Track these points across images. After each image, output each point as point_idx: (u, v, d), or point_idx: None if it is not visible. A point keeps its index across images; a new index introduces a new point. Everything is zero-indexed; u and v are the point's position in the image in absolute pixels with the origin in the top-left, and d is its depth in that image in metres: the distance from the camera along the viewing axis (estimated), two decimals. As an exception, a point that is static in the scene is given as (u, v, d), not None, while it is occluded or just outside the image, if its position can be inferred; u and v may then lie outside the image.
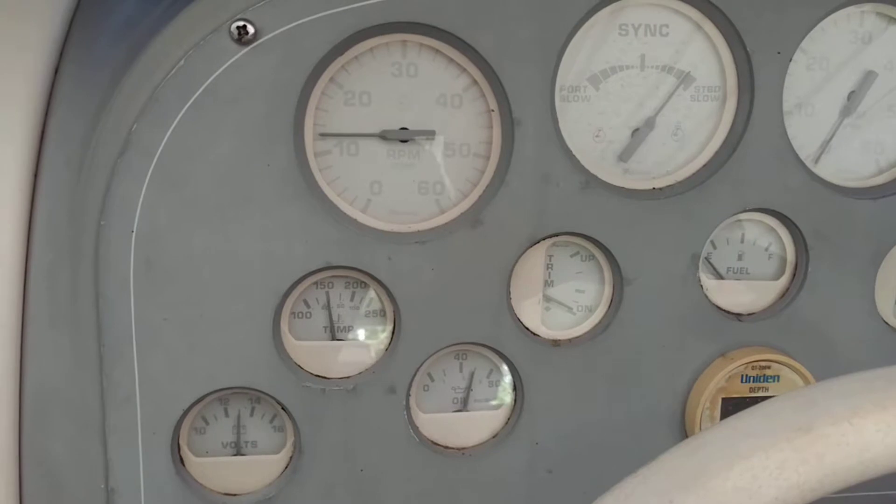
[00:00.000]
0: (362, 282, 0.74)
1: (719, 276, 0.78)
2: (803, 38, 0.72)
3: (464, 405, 0.78)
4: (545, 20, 0.68)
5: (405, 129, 0.70)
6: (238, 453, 0.75)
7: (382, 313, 0.74)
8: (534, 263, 0.75)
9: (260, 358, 0.70)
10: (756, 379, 0.76)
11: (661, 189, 0.74)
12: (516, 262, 0.72)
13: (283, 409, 0.73)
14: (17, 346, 0.67)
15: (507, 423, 0.77)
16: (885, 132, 0.78)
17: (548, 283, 0.76)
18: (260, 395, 0.72)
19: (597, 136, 0.74)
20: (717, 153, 0.74)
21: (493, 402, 0.78)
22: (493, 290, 0.72)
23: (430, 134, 0.71)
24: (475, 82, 0.70)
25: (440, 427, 0.77)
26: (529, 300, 0.76)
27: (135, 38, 0.67)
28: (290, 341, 0.73)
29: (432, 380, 0.77)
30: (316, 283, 0.73)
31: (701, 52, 0.73)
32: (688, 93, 0.74)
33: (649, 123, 0.73)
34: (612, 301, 0.76)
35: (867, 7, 0.75)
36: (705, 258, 0.77)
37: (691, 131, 0.75)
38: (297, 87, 0.66)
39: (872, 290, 0.77)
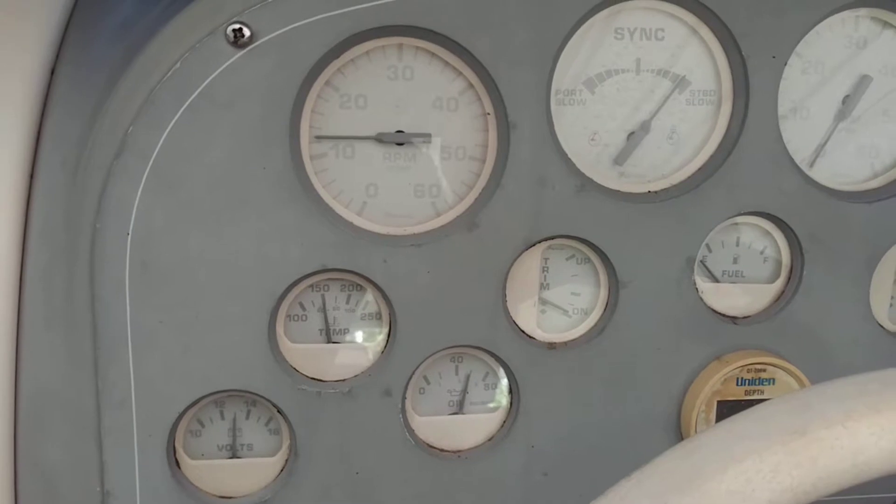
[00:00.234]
0: (358, 284, 0.74)
1: (715, 280, 0.78)
2: (798, 42, 0.73)
3: (459, 408, 0.78)
4: (541, 24, 0.68)
5: (401, 132, 0.71)
6: (234, 456, 0.75)
7: (378, 316, 0.74)
8: (529, 266, 0.75)
9: (255, 361, 0.70)
10: (751, 382, 0.77)
11: (656, 192, 0.74)
12: (512, 264, 0.72)
13: (278, 411, 0.73)
14: (12, 349, 0.67)
15: (502, 425, 0.77)
16: (879, 136, 0.78)
17: (543, 286, 0.76)
18: (255, 397, 0.72)
19: (592, 139, 0.74)
20: (712, 157, 0.74)
21: (489, 405, 0.78)
22: (488, 293, 0.72)
23: (426, 137, 0.71)
24: (471, 86, 0.70)
25: (436, 430, 0.77)
26: (525, 303, 0.76)
27: (131, 40, 0.67)
28: (285, 344, 0.73)
29: (428, 383, 0.77)
30: (311, 285, 0.73)
31: (696, 56, 0.73)
32: (683, 96, 0.74)
33: (644, 127, 0.74)
34: (607, 304, 0.76)
35: (862, 11, 0.75)
36: (700, 261, 0.78)
37: (686, 135, 0.75)
38: (293, 89, 0.66)
39: (867, 293, 0.78)
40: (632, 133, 0.74)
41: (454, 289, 0.71)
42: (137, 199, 0.66)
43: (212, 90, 0.65)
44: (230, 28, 0.64)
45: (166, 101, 0.64)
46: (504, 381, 0.77)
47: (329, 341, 0.74)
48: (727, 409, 0.76)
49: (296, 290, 0.72)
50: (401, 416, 0.74)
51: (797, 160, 0.75)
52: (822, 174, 0.77)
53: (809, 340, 0.78)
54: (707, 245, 0.77)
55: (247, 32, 0.64)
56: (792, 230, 0.76)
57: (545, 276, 0.76)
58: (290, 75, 0.66)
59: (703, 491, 0.38)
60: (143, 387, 0.69)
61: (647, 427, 0.77)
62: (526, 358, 0.74)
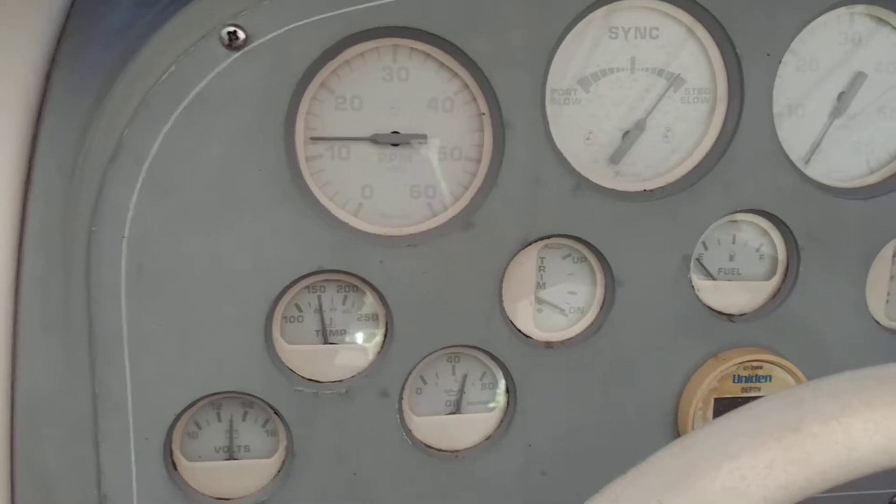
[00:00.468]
0: (354, 285, 0.74)
1: (711, 277, 0.78)
2: (793, 39, 0.73)
3: (457, 408, 0.78)
4: (535, 24, 0.68)
5: (396, 132, 0.71)
6: (231, 457, 0.75)
7: (374, 317, 0.75)
8: (526, 266, 0.75)
9: (252, 362, 0.70)
10: (748, 379, 0.77)
11: (651, 191, 0.74)
12: (508, 264, 0.72)
13: (275, 413, 0.73)
14: (9, 353, 0.67)
15: (500, 425, 0.78)
16: (875, 133, 0.78)
17: (540, 286, 0.76)
18: (252, 399, 0.72)
19: (587, 138, 0.74)
20: (707, 155, 0.75)
21: (487, 405, 0.78)
22: (485, 293, 0.72)
23: (421, 138, 0.71)
24: (466, 86, 0.71)
25: (433, 430, 0.77)
26: (522, 302, 0.76)
27: (126, 43, 0.67)
28: (282, 345, 0.73)
29: (425, 383, 0.77)
30: (308, 287, 0.73)
31: (691, 55, 0.73)
32: (678, 95, 0.74)
33: (640, 126, 0.74)
34: (604, 303, 0.76)
35: (857, 8, 0.75)
36: (697, 259, 0.78)
37: (682, 133, 0.75)
38: (288, 91, 0.66)
39: (863, 289, 0.78)
40: (627, 132, 0.74)
41: (451, 289, 0.71)
42: (133, 202, 0.66)
43: (207, 93, 0.65)
44: (225, 31, 0.64)
45: (161, 104, 0.64)
46: (501, 381, 0.77)
47: (326, 342, 0.74)
48: (724, 407, 0.76)
49: (292, 292, 0.72)
50: (398, 416, 0.74)
51: (793, 157, 0.75)
52: (818, 171, 0.77)
53: (806, 337, 0.78)
54: (703, 243, 0.77)
55: (241, 35, 0.64)
56: (788, 227, 0.76)
57: (541, 276, 0.76)
58: (285, 77, 0.66)
59: (698, 488, 0.38)
60: (139, 389, 0.69)
61: (644, 425, 0.77)
62: (523, 357, 0.74)
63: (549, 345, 0.76)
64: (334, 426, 0.73)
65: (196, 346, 0.69)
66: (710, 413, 0.77)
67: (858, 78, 0.76)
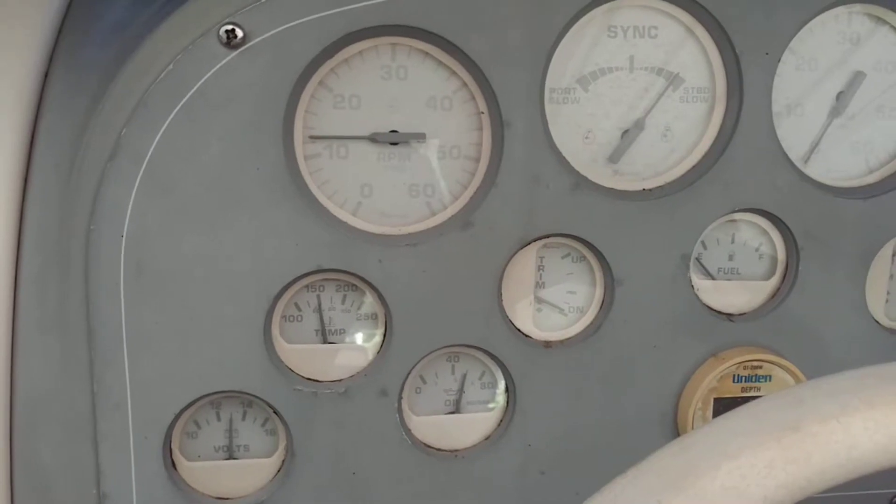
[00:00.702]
0: (353, 285, 0.73)
1: (710, 277, 0.78)
2: (792, 39, 0.73)
3: (456, 407, 0.78)
4: (534, 23, 0.68)
5: (395, 131, 0.70)
6: (230, 457, 0.75)
7: (374, 316, 0.74)
8: (525, 265, 0.75)
9: (251, 361, 0.70)
10: (748, 379, 0.77)
11: (650, 190, 0.74)
12: (507, 263, 0.72)
13: (274, 412, 0.73)
14: (7, 352, 0.67)
15: (499, 424, 0.77)
16: (874, 132, 0.78)
17: (539, 285, 0.76)
18: (252, 398, 0.72)
19: (586, 137, 0.74)
20: (706, 154, 0.74)
21: (486, 404, 0.78)
22: (484, 292, 0.72)
23: (420, 137, 0.71)
24: (465, 85, 0.70)
25: (432, 429, 0.77)
26: (521, 302, 0.76)
27: (124, 42, 0.67)
28: (281, 345, 0.73)
29: (424, 382, 0.77)
30: (307, 286, 0.73)
31: (690, 54, 0.73)
32: (677, 94, 0.74)
33: (639, 125, 0.74)
34: (603, 302, 0.76)
35: (855, 8, 0.75)
36: (696, 259, 0.78)
37: (681, 132, 0.75)
38: (287, 90, 0.66)
39: (863, 289, 0.78)
40: (626, 131, 0.74)
41: (450, 288, 0.71)
42: (131, 201, 0.65)
43: (205, 91, 0.64)
44: (223, 29, 0.64)
45: (159, 103, 0.64)
46: (500, 381, 0.77)
47: (325, 342, 0.74)
48: (724, 407, 0.76)
49: (291, 291, 0.72)
50: (397, 415, 0.74)
51: (792, 157, 0.75)
52: (817, 170, 0.77)
53: (805, 337, 0.78)
54: (702, 242, 0.77)
55: (239, 33, 0.64)
56: (787, 227, 0.76)
57: (541, 275, 0.76)
58: (283, 76, 0.65)
59: (698, 487, 0.38)
60: (138, 389, 0.69)
61: (643, 425, 0.77)
62: (522, 357, 0.74)
63: (548, 344, 0.76)
64: (334, 426, 0.73)
65: (195, 346, 0.69)
66: (709, 413, 0.77)
67: (857, 77, 0.76)
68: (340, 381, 0.74)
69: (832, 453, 0.39)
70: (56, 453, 0.68)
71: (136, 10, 0.68)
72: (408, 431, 0.75)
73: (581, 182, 0.72)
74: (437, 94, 0.70)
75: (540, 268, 0.76)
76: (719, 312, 0.78)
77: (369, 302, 0.74)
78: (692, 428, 0.76)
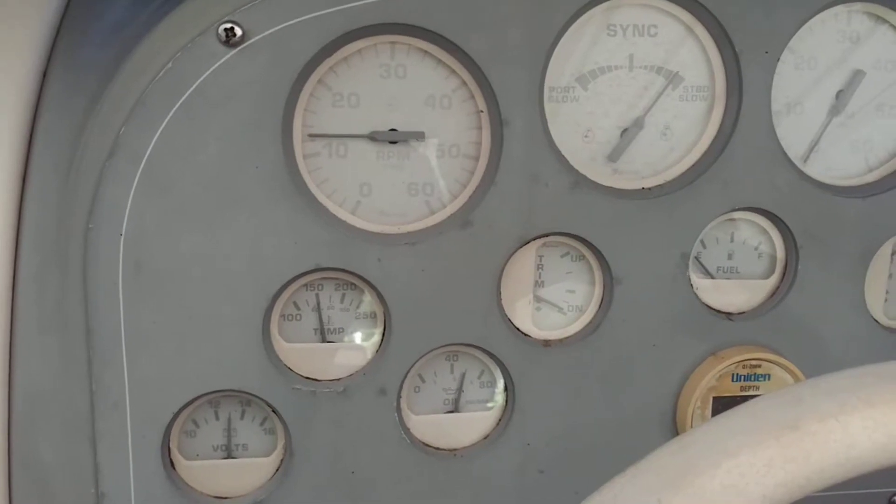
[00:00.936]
0: (352, 284, 0.73)
1: (709, 276, 0.78)
2: (791, 37, 0.73)
3: (455, 406, 0.78)
4: (533, 22, 0.68)
5: (394, 130, 0.70)
6: (229, 456, 0.75)
7: (373, 315, 0.74)
8: (524, 264, 0.75)
9: (250, 360, 0.70)
10: (747, 378, 0.76)
11: (650, 189, 0.74)
12: (506, 262, 0.72)
13: (273, 411, 0.73)
14: (5, 351, 0.67)
15: (498, 423, 0.77)
16: (873, 131, 0.78)
17: (538, 284, 0.76)
18: (250, 397, 0.72)
19: (586, 136, 0.74)
20: (705, 153, 0.74)
21: (485, 404, 0.78)
22: (483, 291, 0.72)
23: (419, 135, 0.71)
24: (464, 83, 0.70)
25: (431, 428, 0.77)
26: (520, 301, 0.76)
27: (122, 41, 0.67)
28: (279, 344, 0.73)
29: (423, 381, 0.77)
30: (306, 285, 0.73)
31: (689, 52, 0.73)
32: (676, 93, 0.74)
33: (638, 123, 0.74)
34: (602, 301, 0.76)
35: (855, 6, 0.75)
36: (695, 257, 0.77)
37: (680, 131, 0.75)
38: (286, 88, 0.66)
39: (862, 288, 0.78)
40: (625, 130, 0.74)
41: (449, 287, 0.71)
42: (130, 199, 0.65)
43: (204, 90, 0.64)
44: (222, 27, 0.63)
45: (158, 102, 0.64)
46: (499, 380, 0.77)
47: (324, 340, 0.74)
48: (723, 406, 0.76)
49: (290, 290, 0.72)
50: (396, 414, 0.74)
51: (791, 156, 0.75)
52: (817, 169, 0.77)
53: (804, 336, 0.78)
54: (702, 241, 0.77)
55: (238, 31, 0.64)
56: (786, 225, 0.76)
57: (540, 274, 0.76)
58: (282, 74, 0.65)
59: (697, 486, 0.38)
60: (137, 388, 0.68)
61: (642, 424, 0.77)
62: (521, 356, 0.74)
63: (547, 343, 0.76)
64: (332, 425, 0.73)
65: (193, 345, 0.69)
66: (708, 412, 0.77)
67: (857, 76, 0.76)
68: (339, 380, 0.73)
69: (831, 452, 0.39)
70: (54, 452, 0.68)
71: (134, 9, 0.68)
72: (407, 430, 0.75)
73: (580, 181, 0.72)
74: (436, 93, 0.70)
75: (539, 267, 0.76)
76: (718, 311, 0.78)
77: (368, 301, 0.74)
78: (691, 427, 0.76)
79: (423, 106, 0.70)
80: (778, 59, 0.72)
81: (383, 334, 0.74)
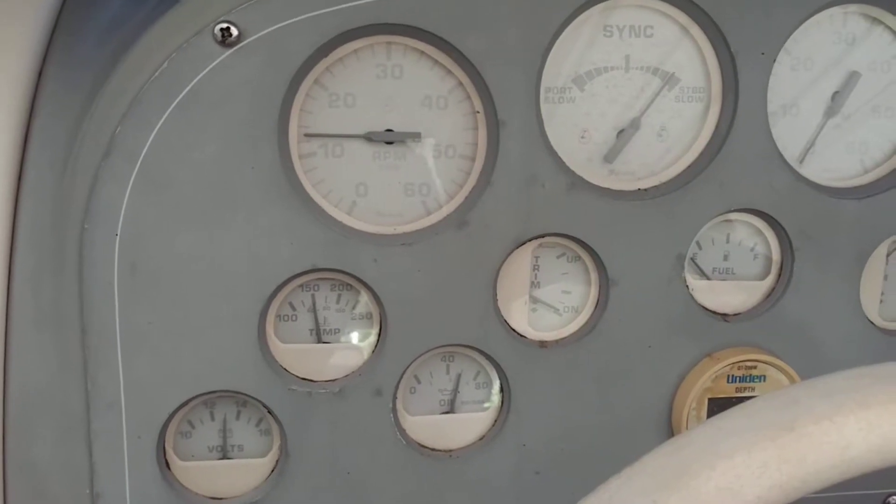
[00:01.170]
0: (348, 284, 0.73)
1: (705, 277, 0.78)
2: (787, 39, 0.73)
3: (451, 407, 0.78)
4: (530, 22, 0.68)
5: (390, 130, 0.70)
6: (224, 457, 0.75)
7: (369, 315, 0.74)
8: (520, 265, 0.75)
9: (245, 361, 0.70)
10: (742, 379, 0.77)
11: (646, 190, 0.74)
12: (502, 263, 0.72)
13: (269, 412, 0.72)
14: (0, 350, 0.66)
15: (494, 424, 0.77)
16: (869, 132, 0.78)
17: (534, 285, 0.76)
18: (246, 398, 0.72)
19: (582, 137, 0.74)
20: (701, 154, 0.74)
21: (481, 404, 0.78)
22: (479, 292, 0.72)
23: (415, 136, 0.71)
24: (460, 84, 0.70)
25: (427, 429, 0.77)
26: (516, 302, 0.76)
27: (118, 40, 0.67)
28: (275, 344, 0.73)
29: (419, 382, 0.77)
30: (301, 285, 0.73)
31: (685, 53, 0.73)
32: (672, 94, 0.74)
33: (634, 124, 0.74)
34: (598, 302, 0.76)
35: (851, 8, 0.75)
36: (691, 258, 0.78)
37: (676, 132, 0.75)
38: (282, 88, 0.66)
39: (857, 289, 0.78)
40: (621, 131, 0.74)
41: (445, 288, 0.71)
42: (126, 199, 0.65)
43: (200, 90, 0.64)
44: (218, 27, 0.63)
45: (154, 102, 0.64)
46: (495, 381, 0.77)
47: (319, 341, 0.74)
48: (718, 407, 0.76)
49: (286, 290, 0.72)
50: (392, 415, 0.74)
51: (787, 157, 0.75)
52: (812, 171, 0.77)
53: (800, 337, 0.78)
54: (697, 242, 0.77)
55: (234, 31, 0.64)
56: (782, 227, 0.76)
57: (536, 275, 0.76)
58: (278, 74, 0.65)
59: (692, 487, 0.38)
60: (132, 388, 0.68)
61: (638, 425, 0.77)
62: (517, 357, 0.74)
63: (543, 344, 0.76)
64: (328, 425, 0.72)
65: (189, 345, 0.68)
66: (703, 413, 0.77)
67: (852, 77, 0.76)
68: (335, 380, 0.73)
69: (826, 453, 0.39)
70: (49, 452, 0.68)
71: (130, 8, 0.68)
72: (402, 431, 0.75)
73: (576, 182, 0.72)
74: (432, 93, 0.70)
75: (535, 267, 0.76)
76: (714, 312, 0.78)
77: (364, 301, 0.74)
78: (686, 428, 0.76)
79: (420, 106, 0.70)
80: (774, 61, 0.72)
81: (379, 335, 0.74)
